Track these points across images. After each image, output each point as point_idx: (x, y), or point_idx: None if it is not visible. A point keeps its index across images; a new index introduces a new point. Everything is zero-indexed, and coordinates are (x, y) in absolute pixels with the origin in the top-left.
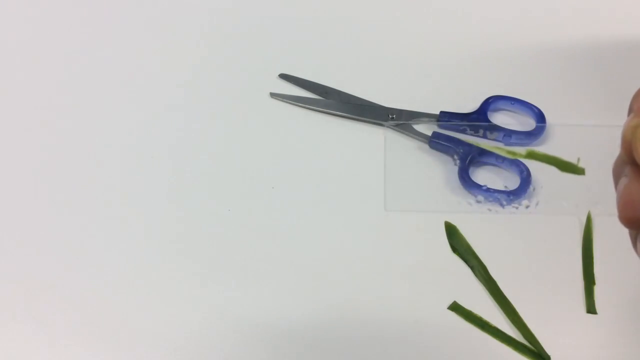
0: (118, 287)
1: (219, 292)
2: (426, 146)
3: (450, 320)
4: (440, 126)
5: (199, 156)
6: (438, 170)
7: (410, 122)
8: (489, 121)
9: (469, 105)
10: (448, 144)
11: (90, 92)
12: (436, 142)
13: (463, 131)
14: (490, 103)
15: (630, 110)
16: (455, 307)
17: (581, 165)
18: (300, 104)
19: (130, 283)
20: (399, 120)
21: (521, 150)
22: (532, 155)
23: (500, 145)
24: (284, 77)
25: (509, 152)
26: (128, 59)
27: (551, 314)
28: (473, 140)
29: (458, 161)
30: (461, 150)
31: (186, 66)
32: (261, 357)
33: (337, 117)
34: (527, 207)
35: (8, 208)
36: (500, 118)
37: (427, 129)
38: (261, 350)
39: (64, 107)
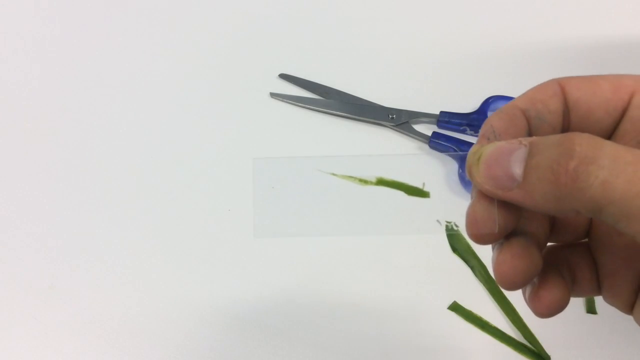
0: (118, 287)
1: (221, 290)
2: (426, 146)
3: (450, 320)
4: (440, 126)
5: (199, 156)
6: (316, 189)
7: (410, 122)
8: None
9: (469, 105)
10: (448, 144)
11: (91, 93)
12: (436, 142)
13: (463, 131)
14: (490, 103)
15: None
16: (455, 307)
17: (426, 189)
18: (300, 104)
19: (130, 283)
20: (399, 120)
21: (372, 178)
22: (381, 182)
23: (353, 174)
24: (284, 77)
25: (361, 181)
26: (129, 59)
27: None
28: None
29: (457, 163)
30: (461, 150)
31: (186, 66)
32: (262, 355)
33: (337, 117)
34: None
35: (8, 208)
36: None
37: (427, 129)
38: (258, 347)
39: (65, 108)
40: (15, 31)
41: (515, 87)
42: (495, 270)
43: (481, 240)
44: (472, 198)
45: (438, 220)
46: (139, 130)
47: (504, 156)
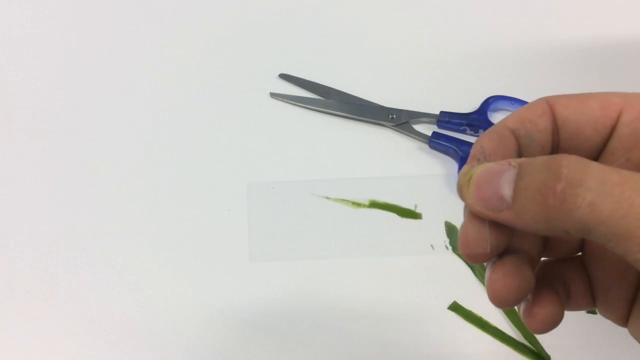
0: (118, 288)
1: (221, 291)
2: (426, 146)
3: (450, 320)
4: (440, 126)
5: (199, 156)
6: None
7: (410, 122)
8: (489, 121)
9: (469, 105)
10: (448, 144)
11: (91, 93)
12: (436, 142)
13: (463, 131)
14: (490, 103)
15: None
16: (455, 307)
17: (418, 210)
18: (300, 104)
19: (130, 284)
20: (399, 120)
21: (365, 201)
22: (374, 205)
23: (347, 197)
24: (284, 77)
25: (354, 204)
26: (128, 59)
27: None
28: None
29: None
30: (461, 150)
31: (187, 66)
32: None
33: (337, 117)
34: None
35: (8, 209)
36: (500, 118)
37: (427, 129)
38: (258, 348)
39: (65, 109)
40: (15, 32)
41: (515, 87)
42: (488, 288)
43: (473, 259)
44: (464, 218)
45: (432, 245)
46: (139, 130)
47: (494, 178)
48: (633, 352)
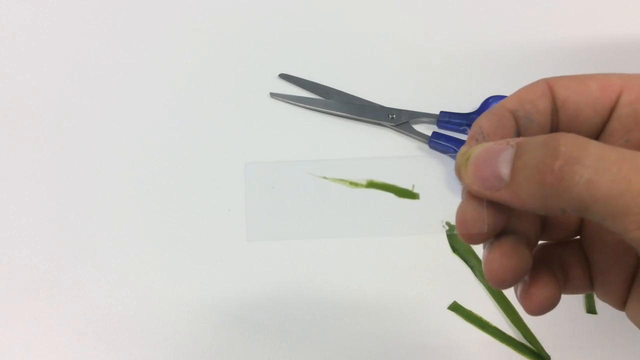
0: (118, 288)
1: (222, 290)
2: (426, 146)
3: (450, 320)
4: (440, 126)
5: (199, 156)
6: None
7: (410, 122)
8: None
9: (469, 105)
10: (448, 144)
11: (91, 93)
12: (436, 142)
13: (463, 131)
14: (490, 103)
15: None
16: (455, 307)
17: (420, 190)
18: (300, 104)
19: (131, 283)
20: (399, 120)
21: (362, 181)
22: (372, 185)
23: (344, 177)
24: (284, 77)
25: (351, 184)
26: (128, 60)
27: (551, 314)
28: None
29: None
30: None
31: (186, 66)
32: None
33: (337, 117)
34: None
35: (8, 209)
36: None
37: (427, 129)
38: (259, 347)
39: (64, 109)
40: (17, 31)
41: (515, 87)
42: (485, 268)
43: (471, 240)
44: (462, 198)
45: (430, 224)
46: (139, 130)
47: (492, 157)
48: (633, 352)
